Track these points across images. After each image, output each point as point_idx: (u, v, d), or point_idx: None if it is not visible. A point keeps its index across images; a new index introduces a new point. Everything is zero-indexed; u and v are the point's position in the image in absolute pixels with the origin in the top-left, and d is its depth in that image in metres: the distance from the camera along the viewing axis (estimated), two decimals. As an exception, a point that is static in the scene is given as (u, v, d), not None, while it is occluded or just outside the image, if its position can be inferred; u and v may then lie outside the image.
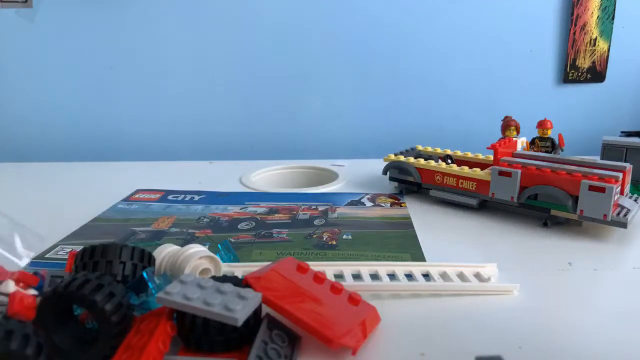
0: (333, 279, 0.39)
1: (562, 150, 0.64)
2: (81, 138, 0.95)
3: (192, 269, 0.37)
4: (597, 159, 0.57)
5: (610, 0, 0.90)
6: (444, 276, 0.41)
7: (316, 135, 0.97)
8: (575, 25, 0.91)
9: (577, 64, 0.93)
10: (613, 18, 0.91)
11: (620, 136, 0.72)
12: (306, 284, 0.34)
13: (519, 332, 0.34)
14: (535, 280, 0.41)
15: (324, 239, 0.51)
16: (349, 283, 0.40)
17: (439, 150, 0.69)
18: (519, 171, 0.53)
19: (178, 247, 0.39)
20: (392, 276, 0.41)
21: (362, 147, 0.96)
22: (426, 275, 0.41)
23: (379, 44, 0.92)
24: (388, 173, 0.67)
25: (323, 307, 0.33)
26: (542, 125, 0.64)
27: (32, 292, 0.33)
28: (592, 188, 0.48)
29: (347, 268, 0.42)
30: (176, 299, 0.29)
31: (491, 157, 0.62)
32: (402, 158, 0.65)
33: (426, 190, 0.63)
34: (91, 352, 0.28)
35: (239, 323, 0.27)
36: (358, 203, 0.63)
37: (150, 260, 0.36)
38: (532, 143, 0.65)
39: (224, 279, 0.35)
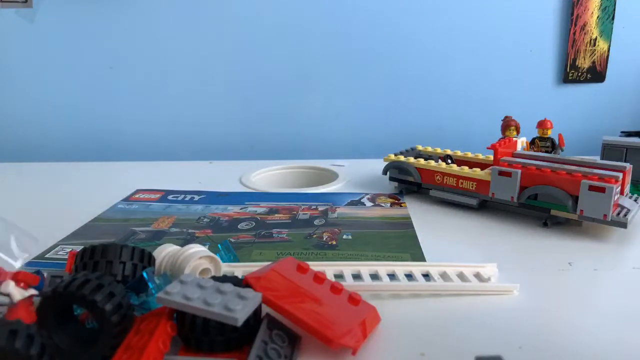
0: (333, 279, 0.39)
1: (562, 150, 0.64)
2: (81, 138, 0.95)
3: (192, 269, 0.37)
4: (597, 159, 0.57)
5: (610, 0, 0.90)
6: (444, 276, 0.41)
7: (316, 135, 0.97)
8: (575, 25, 0.91)
9: (577, 64, 0.93)
10: (613, 18, 0.91)
11: (620, 136, 0.72)
12: (306, 284, 0.34)
13: (519, 332, 0.34)
14: (535, 280, 0.41)
15: (324, 239, 0.51)
16: (349, 283, 0.40)
17: (439, 150, 0.69)
18: (519, 171, 0.53)
19: (178, 247, 0.39)
20: (392, 276, 0.41)
21: (362, 147, 0.96)
22: (426, 275, 0.41)
23: (379, 44, 0.92)
24: (388, 173, 0.67)
25: (323, 307, 0.33)
26: (542, 125, 0.64)
27: (32, 292, 0.33)
28: (592, 188, 0.48)
29: (347, 268, 0.42)
30: (176, 299, 0.29)
31: (491, 157, 0.62)
32: (402, 158, 0.65)
33: (426, 190, 0.63)
34: (91, 352, 0.28)
35: (239, 323, 0.27)
36: (358, 203, 0.63)
37: (150, 260, 0.36)
38: (532, 143, 0.65)
39: (224, 279, 0.35)
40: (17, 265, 0.43)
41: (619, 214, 0.49)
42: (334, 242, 0.50)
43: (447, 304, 0.38)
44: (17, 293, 0.32)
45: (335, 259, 0.46)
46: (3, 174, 0.81)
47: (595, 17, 0.90)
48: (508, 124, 0.62)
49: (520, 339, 0.33)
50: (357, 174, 0.75)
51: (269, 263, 0.38)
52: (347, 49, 0.92)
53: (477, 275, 0.41)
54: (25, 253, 0.44)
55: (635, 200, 0.53)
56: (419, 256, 0.46)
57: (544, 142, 0.65)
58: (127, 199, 0.65)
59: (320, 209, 0.60)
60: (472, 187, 0.58)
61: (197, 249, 0.38)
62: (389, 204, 0.62)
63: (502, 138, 0.61)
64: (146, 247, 0.37)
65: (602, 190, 0.48)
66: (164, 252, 0.38)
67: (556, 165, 0.52)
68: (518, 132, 0.63)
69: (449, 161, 0.65)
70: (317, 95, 0.95)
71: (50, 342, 0.28)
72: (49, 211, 0.61)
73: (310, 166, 0.81)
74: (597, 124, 0.95)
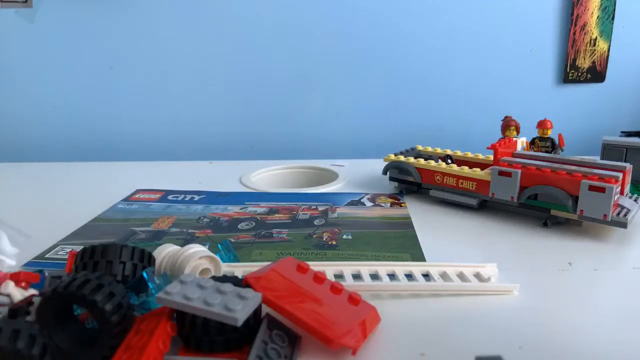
0: (333, 279, 0.39)
1: (562, 150, 0.64)
2: (81, 138, 0.95)
3: (192, 269, 0.37)
4: (597, 159, 0.57)
5: (610, 0, 0.90)
6: (444, 276, 0.41)
7: (316, 135, 0.97)
8: (575, 25, 0.91)
9: (577, 64, 0.93)
10: (613, 18, 0.91)
11: (620, 136, 0.72)
12: (306, 284, 0.34)
13: (519, 332, 0.34)
14: (535, 280, 0.41)
15: (324, 239, 0.51)
16: (349, 283, 0.40)
17: (439, 150, 0.69)
18: (519, 171, 0.53)
19: (178, 247, 0.39)
20: (392, 276, 0.41)
21: (362, 147, 0.96)
22: (426, 275, 0.41)
23: (379, 44, 0.92)
24: (388, 173, 0.67)
25: (323, 307, 0.33)
26: (542, 125, 0.64)
27: (32, 291, 0.33)
28: (592, 188, 0.48)
29: (347, 268, 0.42)
30: (176, 299, 0.29)
31: (491, 157, 0.62)
32: (402, 158, 0.65)
33: (426, 190, 0.63)
34: (91, 352, 0.28)
35: (239, 323, 0.27)
36: (358, 203, 0.63)
37: (150, 260, 0.36)
38: (532, 143, 0.65)
39: (224, 279, 0.35)
40: (12, 262, 0.43)
41: (619, 214, 0.49)
42: (334, 242, 0.50)
43: (447, 304, 0.38)
44: (17, 293, 0.32)
45: (335, 259, 0.46)
46: (3, 174, 0.81)
47: (595, 17, 0.90)
48: (508, 124, 0.62)
49: (520, 339, 0.33)
50: (357, 174, 0.75)
51: (269, 263, 0.38)
52: (347, 49, 0.92)
53: (477, 275, 0.41)
54: (17, 249, 0.44)
55: (635, 200, 0.53)
56: (419, 256, 0.46)
57: (544, 142, 0.65)
58: (127, 199, 0.65)
59: (320, 209, 0.60)
60: (472, 187, 0.58)
61: (197, 249, 0.38)
62: (389, 204, 0.62)
63: (502, 138, 0.61)
64: (146, 247, 0.37)
65: (602, 190, 0.48)
66: (164, 252, 0.38)
67: (556, 165, 0.52)
68: (518, 132, 0.63)
69: (449, 161, 0.65)
70: (317, 95, 0.95)
71: (50, 342, 0.28)
72: (49, 211, 0.61)
73: (310, 166, 0.81)
74: (597, 124, 0.95)
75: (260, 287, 0.32)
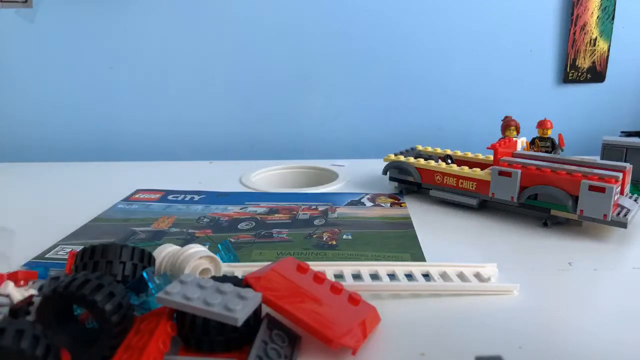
0: (333, 279, 0.39)
1: (562, 150, 0.64)
2: (81, 138, 0.95)
3: (192, 269, 0.37)
4: (597, 159, 0.57)
5: (610, 0, 0.90)
6: (444, 276, 0.41)
7: (316, 135, 0.97)
8: (575, 25, 0.91)
9: (577, 64, 0.93)
10: (613, 18, 0.91)
11: (620, 136, 0.72)
12: (306, 284, 0.34)
13: (519, 332, 0.34)
14: (535, 280, 0.41)
15: (324, 239, 0.51)
16: (349, 283, 0.40)
17: (439, 150, 0.69)
18: (519, 171, 0.53)
19: (178, 247, 0.39)
20: (392, 276, 0.41)
21: (362, 147, 0.96)
22: (426, 275, 0.41)
23: (379, 44, 0.92)
24: (388, 173, 0.67)
25: (323, 307, 0.33)
26: (542, 125, 0.64)
27: (33, 291, 0.33)
28: (592, 188, 0.48)
29: (347, 268, 0.42)
30: (176, 299, 0.29)
31: (491, 157, 0.62)
32: (402, 158, 0.65)
33: (426, 190, 0.63)
34: (91, 352, 0.28)
35: (239, 323, 0.27)
36: (358, 203, 0.63)
37: (150, 260, 0.36)
38: (532, 143, 0.65)
39: (224, 279, 0.35)
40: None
41: (619, 214, 0.49)
42: (334, 242, 0.50)
43: (447, 304, 0.38)
44: (17, 293, 0.32)
45: (335, 259, 0.46)
46: (3, 174, 0.81)
47: (595, 17, 0.90)
48: (508, 124, 0.62)
49: (520, 339, 0.33)
50: (357, 174, 0.75)
51: (269, 263, 0.38)
52: (347, 49, 0.92)
53: (477, 275, 0.41)
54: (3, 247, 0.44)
55: (635, 200, 0.53)
56: (419, 256, 0.46)
57: (544, 142, 0.65)
58: (127, 199, 0.65)
59: (320, 209, 0.60)
60: (472, 187, 0.58)
61: (197, 249, 0.38)
62: (389, 204, 0.62)
63: (502, 138, 0.61)
64: (146, 247, 0.37)
65: (602, 190, 0.48)
66: (164, 252, 0.38)
67: (556, 165, 0.52)
68: (518, 132, 0.63)
69: (449, 161, 0.65)
70: (317, 95, 0.95)
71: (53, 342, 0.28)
72: (49, 211, 0.61)
73: (310, 166, 0.81)
74: (597, 124, 0.95)
75: (260, 287, 0.32)
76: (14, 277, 0.35)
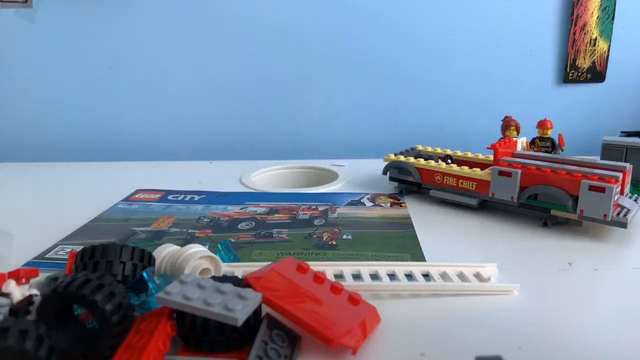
0: (333, 279, 0.39)
1: (562, 150, 0.64)
2: (81, 138, 0.95)
3: (192, 269, 0.37)
4: (597, 159, 0.57)
5: (610, 0, 0.90)
6: (444, 276, 0.41)
7: (316, 135, 0.97)
8: (575, 25, 0.91)
9: (577, 64, 0.93)
10: (613, 18, 0.91)
11: (620, 136, 0.72)
12: (306, 284, 0.34)
13: (519, 332, 0.34)
14: (535, 280, 0.41)
15: (324, 239, 0.51)
16: (349, 283, 0.40)
17: (439, 150, 0.69)
18: (519, 171, 0.53)
19: (178, 247, 0.39)
20: (392, 276, 0.41)
21: (362, 147, 0.96)
22: (426, 275, 0.41)
23: (379, 44, 0.92)
24: (388, 173, 0.67)
25: (323, 307, 0.33)
26: (542, 125, 0.64)
27: (33, 291, 0.33)
28: (592, 188, 0.48)
29: (347, 268, 0.42)
30: (176, 299, 0.29)
31: (491, 157, 0.62)
32: (402, 158, 0.65)
33: (426, 190, 0.63)
34: (91, 352, 0.28)
35: (239, 323, 0.27)
36: (358, 203, 0.63)
37: (150, 260, 0.36)
38: (532, 143, 0.65)
39: (224, 279, 0.35)
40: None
41: (619, 214, 0.49)
42: (334, 242, 0.50)
43: (447, 304, 0.38)
44: (17, 293, 0.32)
45: (335, 259, 0.46)
46: (3, 174, 0.81)
47: (595, 17, 0.90)
48: (508, 124, 0.62)
49: (520, 339, 0.33)
50: (357, 174, 0.75)
51: (269, 263, 0.38)
52: (347, 49, 0.92)
53: (477, 275, 0.41)
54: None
55: (635, 200, 0.53)
56: (419, 256, 0.46)
57: (544, 142, 0.65)
58: (127, 199, 0.65)
59: (320, 209, 0.60)
60: (472, 187, 0.58)
61: (197, 249, 0.38)
62: (389, 204, 0.62)
63: (502, 138, 0.61)
64: (146, 247, 0.37)
65: (602, 190, 0.48)
66: (164, 252, 0.38)
67: (556, 165, 0.52)
68: (518, 132, 0.63)
69: (449, 161, 0.65)
70: (317, 95, 0.95)
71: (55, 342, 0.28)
72: (49, 211, 0.61)
73: (310, 166, 0.81)
74: (597, 124, 0.95)
75: (260, 287, 0.32)
76: (15, 275, 0.35)
